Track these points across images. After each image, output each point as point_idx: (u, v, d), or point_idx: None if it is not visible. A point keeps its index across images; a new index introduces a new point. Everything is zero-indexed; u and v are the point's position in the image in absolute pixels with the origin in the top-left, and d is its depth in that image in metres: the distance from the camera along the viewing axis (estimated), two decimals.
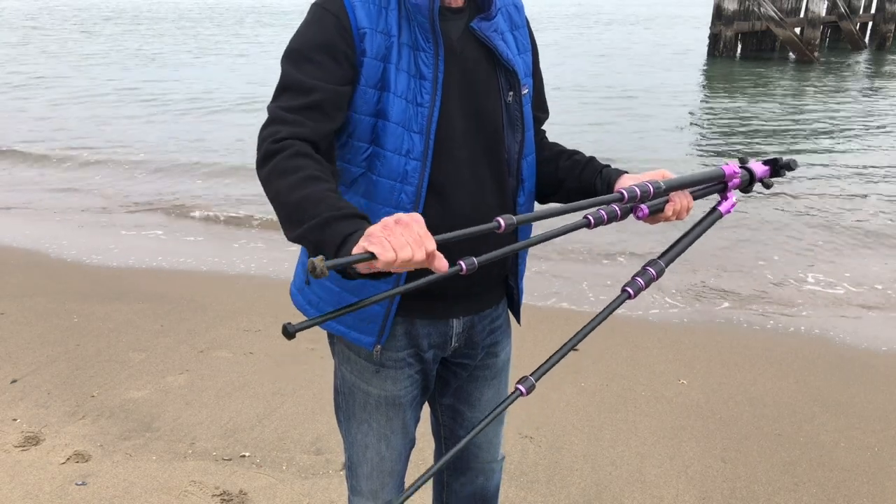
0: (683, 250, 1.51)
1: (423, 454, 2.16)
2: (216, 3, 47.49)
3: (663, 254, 1.48)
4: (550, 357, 1.32)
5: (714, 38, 21.98)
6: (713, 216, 1.55)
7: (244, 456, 2.98)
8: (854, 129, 11.74)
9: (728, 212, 1.58)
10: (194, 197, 7.75)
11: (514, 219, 1.19)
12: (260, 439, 3.10)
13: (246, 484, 2.79)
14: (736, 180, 1.56)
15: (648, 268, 1.44)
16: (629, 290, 1.41)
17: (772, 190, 8.44)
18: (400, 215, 1.12)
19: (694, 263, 5.78)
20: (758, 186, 1.63)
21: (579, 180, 1.62)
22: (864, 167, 9.19)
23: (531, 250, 1.49)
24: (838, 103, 14.19)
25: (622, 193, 1.34)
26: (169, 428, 3.18)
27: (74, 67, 18.11)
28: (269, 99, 1.43)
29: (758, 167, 1.61)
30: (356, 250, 1.09)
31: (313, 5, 1.45)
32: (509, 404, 1.27)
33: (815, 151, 10.11)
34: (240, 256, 5.71)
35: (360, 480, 1.76)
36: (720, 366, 3.92)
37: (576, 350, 4.00)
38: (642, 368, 3.85)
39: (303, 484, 2.81)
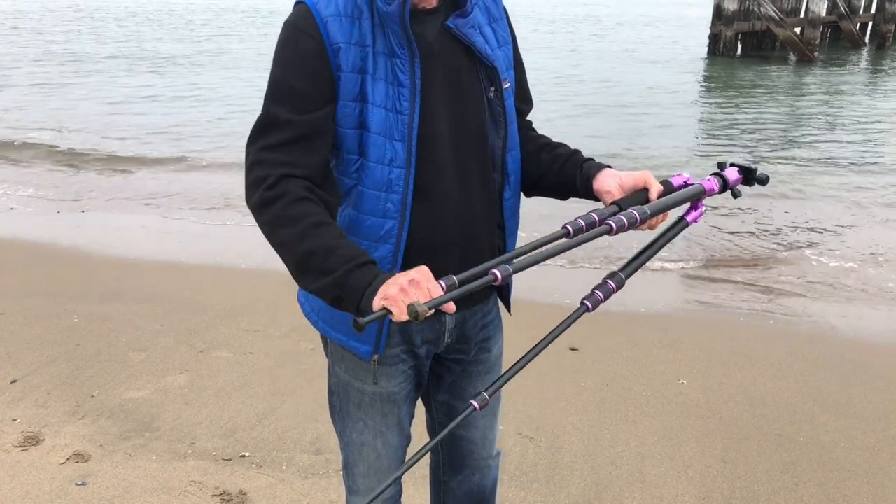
0: (646, 261, 1.53)
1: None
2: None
3: (625, 266, 1.49)
4: (504, 373, 1.34)
5: (714, 38, 21.98)
6: (679, 226, 1.56)
7: (244, 456, 2.98)
8: (854, 127, 11.74)
9: (695, 221, 1.58)
10: (194, 195, 7.76)
11: (510, 269, 1.26)
12: (260, 439, 3.11)
13: (246, 484, 2.79)
14: (713, 191, 1.57)
15: (608, 280, 1.45)
16: (587, 303, 1.42)
17: (773, 188, 8.42)
18: (411, 274, 1.24)
19: (694, 263, 5.79)
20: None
21: (559, 175, 1.62)
22: (865, 171, 9.19)
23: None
24: (838, 102, 14.20)
25: (611, 225, 1.38)
26: (169, 428, 3.18)
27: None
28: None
29: (732, 174, 1.60)
30: (376, 306, 1.23)
31: (286, 25, 1.44)
32: (464, 418, 1.31)
33: (815, 149, 10.11)
34: (240, 256, 5.70)
35: (356, 479, 1.77)
36: (720, 366, 3.92)
37: (575, 350, 4.01)
38: (642, 368, 3.85)
39: (303, 484, 2.81)
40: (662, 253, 5.88)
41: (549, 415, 3.36)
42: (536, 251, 1.30)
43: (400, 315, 1.20)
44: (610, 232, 1.38)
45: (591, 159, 1.62)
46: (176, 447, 3.04)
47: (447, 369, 1.76)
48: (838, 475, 2.97)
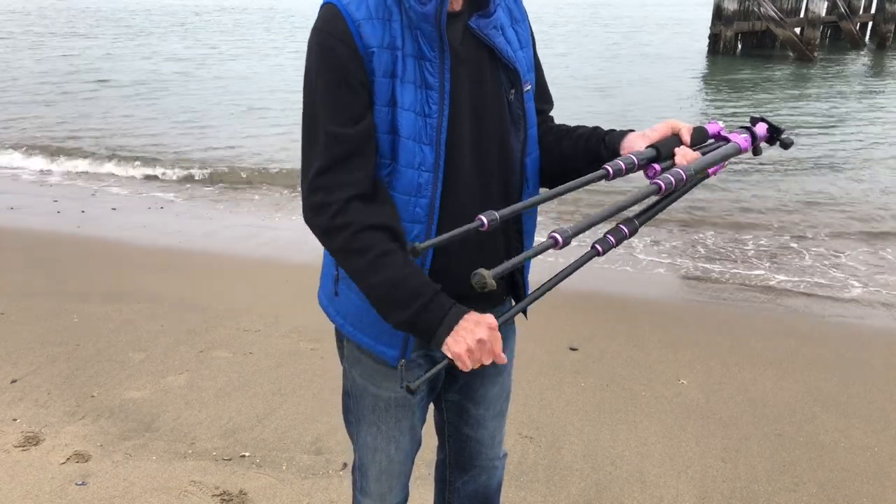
0: (661, 211, 1.49)
1: (426, 455, 2.16)
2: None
3: (639, 214, 1.44)
4: (507, 312, 1.38)
5: (714, 38, 22.00)
6: (699, 177, 1.51)
7: (244, 456, 2.98)
8: (853, 126, 11.74)
9: (715, 174, 1.54)
10: (196, 195, 7.77)
11: (496, 214, 1.26)
12: (260, 439, 3.11)
13: (246, 484, 2.79)
14: (747, 150, 1.56)
15: (622, 226, 1.40)
16: (598, 247, 1.36)
17: (773, 188, 8.40)
18: (479, 332, 1.33)
19: (695, 263, 5.79)
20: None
21: (585, 156, 1.58)
22: (864, 170, 9.19)
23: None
24: (837, 101, 14.20)
25: (659, 185, 1.35)
26: (169, 428, 3.18)
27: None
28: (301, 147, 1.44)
29: (760, 130, 1.58)
30: (446, 350, 1.36)
31: (316, 30, 1.40)
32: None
33: (814, 148, 10.11)
34: (240, 257, 5.71)
35: (369, 482, 1.77)
36: (720, 366, 3.92)
37: (575, 350, 4.01)
38: (642, 368, 3.85)
39: (303, 484, 2.81)
40: (663, 253, 5.89)
41: (549, 415, 3.36)
42: (589, 217, 1.29)
43: (464, 369, 1.34)
44: (658, 192, 1.36)
45: (612, 130, 1.58)
46: (176, 447, 3.04)
47: (461, 370, 1.76)
48: (838, 475, 2.97)
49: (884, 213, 7.26)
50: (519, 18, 1.58)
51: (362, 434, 1.72)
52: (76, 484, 2.77)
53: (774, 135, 1.59)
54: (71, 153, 9.61)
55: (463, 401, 1.80)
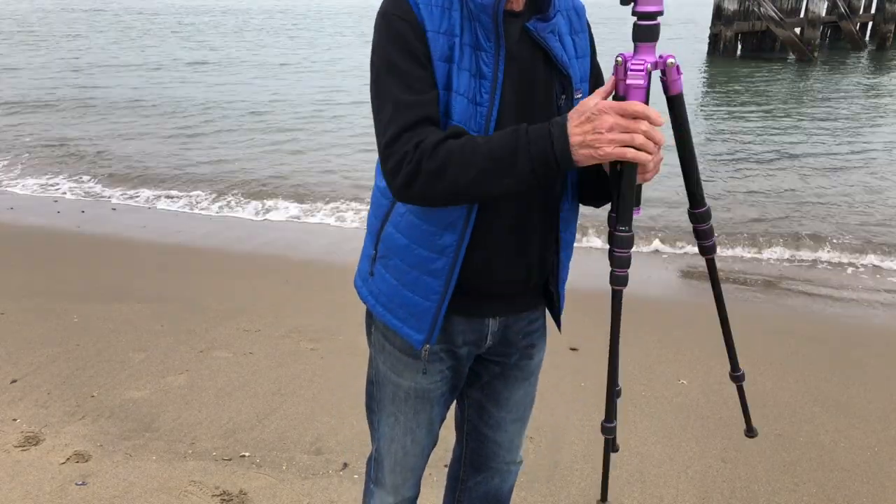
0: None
1: (438, 454, 2.16)
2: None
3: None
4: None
5: (714, 38, 21.99)
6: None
7: (244, 456, 2.98)
8: (853, 126, 11.74)
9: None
10: (197, 197, 7.76)
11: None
12: (260, 439, 3.11)
13: (246, 484, 2.79)
14: (643, 78, 1.31)
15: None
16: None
17: (772, 188, 8.38)
18: (594, 104, 1.27)
19: (696, 263, 5.79)
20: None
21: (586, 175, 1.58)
22: (864, 170, 9.19)
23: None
24: (838, 101, 14.20)
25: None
26: (169, 428, 3.18)
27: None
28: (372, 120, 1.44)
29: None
30: (584, 156, 1.28)
31: (380, 15, 1.45)
32: None
33: (814, 148, 10.12)
34: (240, 257, 5.71)
35: (384, 473, 1.79)
36: (720, 366, 3.92)
37: (575, 350, 4.01)
38: (642, 368, 3.85)
39: (303, 484, 2.81)
40: (664, 252, 5.89)
41: (549, 415, 3.36)
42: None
43: (645, 160, 1.26)
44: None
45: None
46: (176, 447, 3.04)
47: (485, 368, 1.77)
48: (838, 475, 2.97)
49: (884, 213, 7.26)
50: (579, 30, 1.59)
51: (381, 423, 1.74)
52: (76, 484, 2.77)
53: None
54: (71, 160, 9.58)
55: (485, 401, 1.80)
